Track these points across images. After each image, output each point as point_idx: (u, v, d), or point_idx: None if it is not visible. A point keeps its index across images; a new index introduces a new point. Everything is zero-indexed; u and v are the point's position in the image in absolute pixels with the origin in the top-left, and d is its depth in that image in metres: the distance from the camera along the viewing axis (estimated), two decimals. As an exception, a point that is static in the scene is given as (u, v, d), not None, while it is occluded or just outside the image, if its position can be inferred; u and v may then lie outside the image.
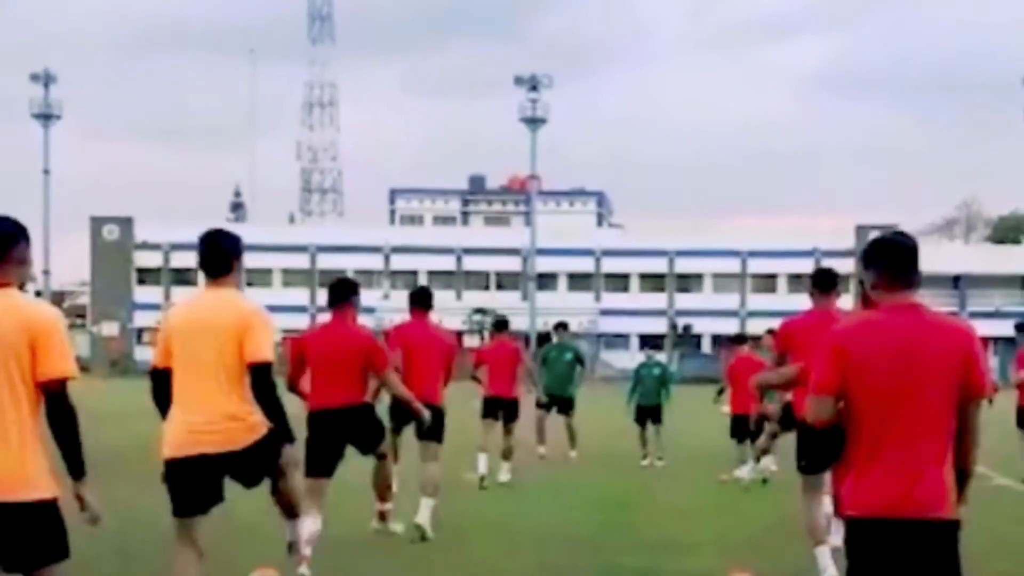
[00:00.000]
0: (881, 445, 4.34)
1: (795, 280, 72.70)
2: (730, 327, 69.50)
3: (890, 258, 4.46)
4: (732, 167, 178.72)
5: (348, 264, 77.20)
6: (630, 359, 46.27)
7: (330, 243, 79.21)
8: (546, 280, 75.37)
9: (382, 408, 9.72)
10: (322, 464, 8.42)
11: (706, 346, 75.15)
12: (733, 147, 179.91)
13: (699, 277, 79.38)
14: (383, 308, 61.18)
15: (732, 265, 78.02)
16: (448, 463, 11.16)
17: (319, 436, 8.51)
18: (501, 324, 15.87)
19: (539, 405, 17.05)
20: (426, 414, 9.29)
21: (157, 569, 8.73)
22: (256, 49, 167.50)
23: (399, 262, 77.79)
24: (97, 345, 73.40)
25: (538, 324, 59.96)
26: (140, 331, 76.98)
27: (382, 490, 9.49)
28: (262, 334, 5.98)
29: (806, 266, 73.21)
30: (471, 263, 79.51)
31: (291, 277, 76.28)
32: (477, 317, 69.98)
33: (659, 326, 74.96)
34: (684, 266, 78.57)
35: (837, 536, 7.77)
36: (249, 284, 63.32)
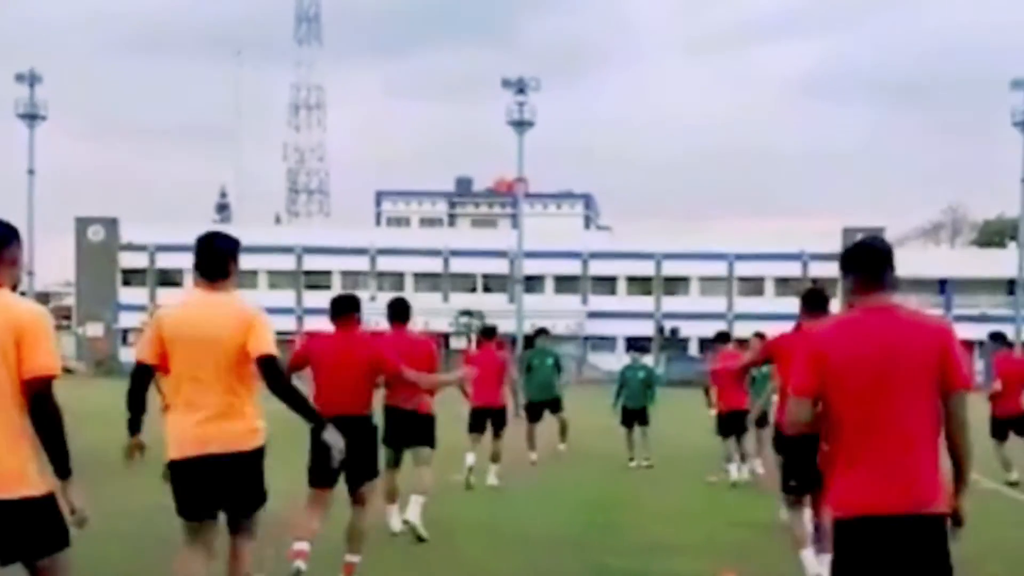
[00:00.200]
0: (863, 445, 4.41)
1: (782, 283, 72.98)
2: (717, 330, 69.70)
3: (864, 262, 4.59)
4: (719, 170, 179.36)
5: (334, 266, 77.29)
6: (617, 362, 46.24)
7: (316, 244, 79.11)
8: (533, 282, 75.33)
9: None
10: (323, 474, 8.02)
11: (693, 349, 75.20)
12: (720, 150, 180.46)
13: (686, 280, 79.46)
14: (369, 310, 60.92)
15: (719, 268, 78.13)
16: (435, 465, 11.16)
17: (320, 445, 8.36)
18: (488, 331, 15.71)
19: (528, 415, 16.96)
20: (465, 372, 10.79)
21: (146, 568, 8.71)
22: (243, 50, 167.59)
23: (385, 264, 77.69)
24: (82, 346, 73.16)
25: (525, 327, 59.86)
26: (125, 332, 76.77)
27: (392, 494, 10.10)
28: (265, 331, 5.97)
29: (793, 269, 73.68)
30: (458, 265, 79.45)
31: (277, 278, 76.11)
32: (464, 319, 69.99)
33: (646, 329, 75.07)
34: (671, 269, 78.65)
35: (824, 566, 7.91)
36: (235, 285, 63.05)
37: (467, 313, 70.74)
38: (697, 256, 77.46)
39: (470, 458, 14.17)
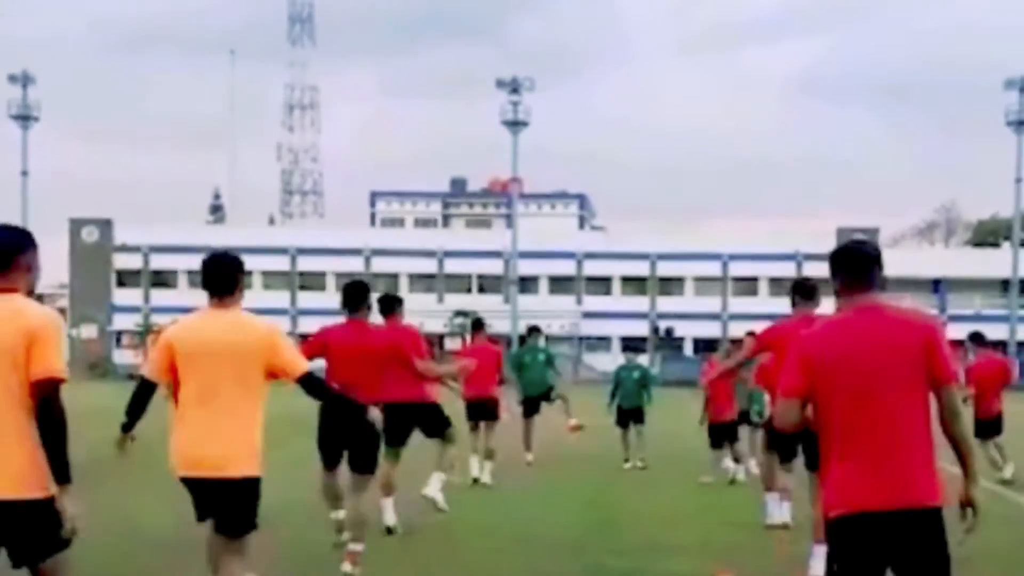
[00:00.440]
0: (854, 442, 4.48)
1: (776, 283, 72.94)
2: (712, 330, 69.81)
3: (849, 264, 4.71)
4: (714, 170, 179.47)
5: (328, 267, 77.15)
6: (612, 362, 46.29)
7: (310, 245, 79.02)
8: (528, 283, 75.38)
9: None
10: (330, 457, 8.94)
11: (688, 349, 75.26)
12: (715, 150, 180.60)
13: (680, 280, 79.49)
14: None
15: (713, 268, 78.18)
16: (429, 467, 11.16)
17: (324, 428, 8.88)
18: (478, 323, 16.15)
19: (524, 410, 17.06)
20: (465, 363, 11.42)
21: (140, 569, 8.69)
22: (236, 51, 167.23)
23: (380, 265, 77.57)
24: (76, 348, 73.03)
25: (520, 327, 59.86)
26: (119, 334, 76.68)
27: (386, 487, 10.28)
28: (291, 350, 6.21)
29: (787, 269, 73.62)
30: (452, 266, 79.41)
31: (271, 279, 75.95)
32: (459, 320, 69.93)
33: (641, 329, 75.10)
34: (666, 269, 78.67)
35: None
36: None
37: (462, 314, 70.70)
38: (692, 256, 77.51)
39: (474, 465, 14.37)
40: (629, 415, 17.56)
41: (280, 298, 74.20)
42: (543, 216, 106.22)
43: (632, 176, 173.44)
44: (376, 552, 8.58)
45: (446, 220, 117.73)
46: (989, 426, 15.37)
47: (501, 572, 8.98)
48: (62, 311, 79.99)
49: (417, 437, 10.91)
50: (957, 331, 19.65)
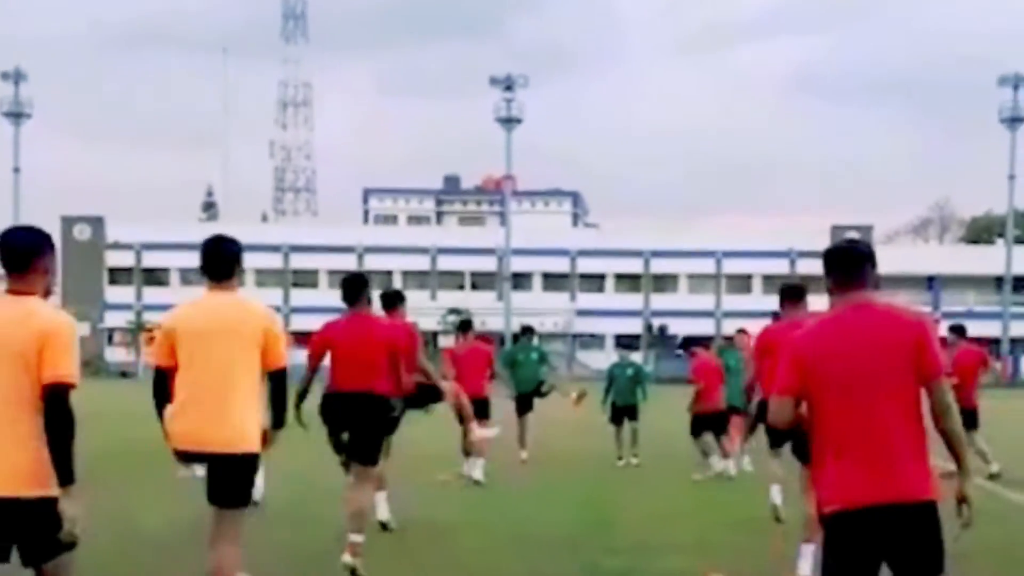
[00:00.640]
0: (848, 439, 4.52)
1: (770, 281, 73.00)
2: (705, 328, 69.74)
3: (842, 263, 4.77)
4: (707, 167, 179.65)
5: (321, 264, 77.12)
6: (606, 359, 46.22)
7: (303, 243, 79.01)
8: (521, 280, 75.39)
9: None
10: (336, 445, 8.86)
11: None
12: (708, 148, 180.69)
13: (674, 278, 79.58)
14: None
15: (707, 266, 78.26)
16: (423, 465, 11.11)
17: (329, 423, 8.83)
18: (466, 325, 16.14)
19: (517, 407, 17.06)
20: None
21: (136, 569, 8.64)
22: (229, 48, 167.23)
23: (373, 262, 77.51)
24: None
25: (514, 324, 59.91)
26: (111, 332, 76.55)
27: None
28: (282, 339, 6.23)
29: (781, 267, 73.74)
30: (446, 263, 79.42)
31: (264, 277, 75.90)
32: (452, 318, 69.86)
33: (634, 326, 75.11)
34: (659, 266, 78.74)
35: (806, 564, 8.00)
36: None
37: (455, 311, 70.68)
38: (685, 254, 77.58)
39: (477, 470, 14.36)
40: (623, 412, 17.57)
41: (273, 295, 74.10)
42: (536, 213, 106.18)
43: (625, 174, 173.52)
44: (370, 549, 8.53)
45: (439, 217, 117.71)
46: (969, 417, 15.35)
47: (495, 570, 8.95)
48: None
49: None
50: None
